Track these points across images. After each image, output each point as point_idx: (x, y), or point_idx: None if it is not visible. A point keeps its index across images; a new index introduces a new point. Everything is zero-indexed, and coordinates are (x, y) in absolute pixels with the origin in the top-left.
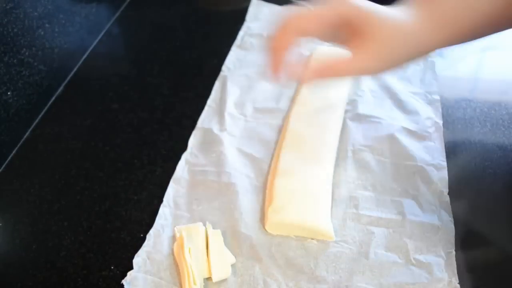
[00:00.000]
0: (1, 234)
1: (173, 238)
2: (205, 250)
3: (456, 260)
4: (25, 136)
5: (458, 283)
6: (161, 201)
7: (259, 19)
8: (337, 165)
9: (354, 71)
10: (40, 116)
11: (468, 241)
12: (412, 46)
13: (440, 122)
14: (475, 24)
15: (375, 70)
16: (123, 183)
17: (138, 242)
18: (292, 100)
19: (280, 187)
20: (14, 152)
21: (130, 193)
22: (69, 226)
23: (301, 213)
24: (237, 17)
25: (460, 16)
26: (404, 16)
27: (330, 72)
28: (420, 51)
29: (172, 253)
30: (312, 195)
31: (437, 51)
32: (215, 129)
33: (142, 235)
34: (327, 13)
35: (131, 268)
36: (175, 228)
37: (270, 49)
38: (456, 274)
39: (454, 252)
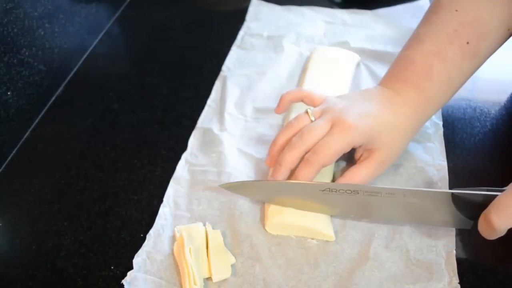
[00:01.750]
0: (1, 234)
1: (173, 238)
2: (205, 250)
3: (457, 260)
4: (25, 136)
5: (459, 283)
6: (161, 201)
7: (259, 19)
8: (337, 165)
9: (369, 178)
10: (40, 116)
11: (468, 241)
12: (410, 138)
13: (440, 122)
14: (459, 86)
15: (383, 170)
16: (123, 183)
17: (138, 242)
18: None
19: None
20: (14, 152)
21: (130, 193)
22: (69, 226)
23: (301, 213)
24: (237, 17)
25: (444, 95)
26: (398, 117)
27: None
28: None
29: (172, 253)
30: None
31: None
32: (215, 129)
33: (142, 235)
34: (341, 147)
35: (131, 268)
36: (175, 228)
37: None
38: (457, 274)
39: (454, 252)
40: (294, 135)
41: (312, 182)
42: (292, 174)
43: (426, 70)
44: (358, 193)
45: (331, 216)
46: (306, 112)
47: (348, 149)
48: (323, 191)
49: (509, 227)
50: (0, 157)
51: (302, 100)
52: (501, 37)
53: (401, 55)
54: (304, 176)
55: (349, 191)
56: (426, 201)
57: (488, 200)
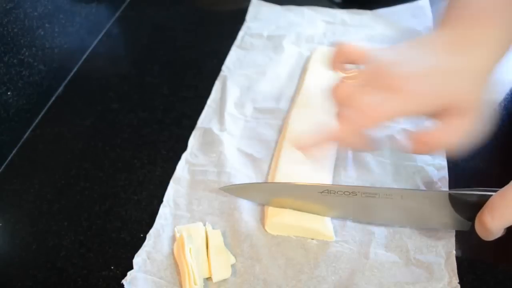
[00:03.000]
0: (1, 234)
1: (173, 238)
2: (205, 250)
3: (456, 260)
4: (25, 136)
5: (459, 283)
6: (161, 201)
7: (259, 19)
8: (337, 165)
9: (448, 146)
10: (40, 116)
11: (468, 241)
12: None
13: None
14: None
15: (466, 142)
16: (123, 183)
17: (138, 242)
18: (292, 100)
19: None
20: (14, 152)
21: (130, 193)
22: (69, 226)
23: (300, 213)
24: (237, 17)
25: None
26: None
27: (425, 148)
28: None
29: (172, 253)
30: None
31: None
32: (215, 129)
33: (142, 235)
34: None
35: (131, 268)
36: (175, 228)
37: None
38: (457, 274)
39: (454, 252)
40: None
41: (311, 184)
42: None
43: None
44: (356, 194)
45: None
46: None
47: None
48: (321, 192)
49: (503, 227)
50: (0, 157)
51: (353, 61)
52: None
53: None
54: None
55: (347, 193)
56: (424, 202)
57: (485, 200)
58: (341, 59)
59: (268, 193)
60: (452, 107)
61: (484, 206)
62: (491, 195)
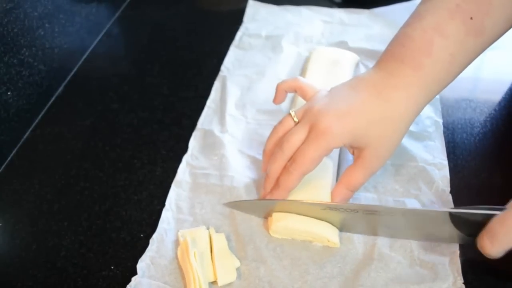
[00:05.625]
0: (1, 234)
1: (177, 242)
2: (210, 254)
3: (461, 259)
4: (25, 136)
5: (463, 283)
6: (161, 201)
7: (256, 20)
8: (338, 167)
9: (366, 178)
10: (40, 116)
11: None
12: (407, 124)
13: (440, 120)
14: (463, 66)
15: (382, 166)
16: (123, 183)
17: (138, 242)
18: (292, 100)
19: None
20: (14, 152)
21: (130, 193)
22: (69, 226)
23: (305, 218)
24: (238, 17)
25: (446, 73)
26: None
27: (351, 193)
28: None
29: (176, 258)
30: (316, 198)
31: None
32: (216, 130)
33: (142, 235)
34: (317, 154)
35: (131, 268)
36: (179, 233)
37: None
38: (461, 274)
39: (458, 252)
40: (280, 139)
41: (312, 202)
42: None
43: (425, 45)
44: (357, 212)
45: None
46: (289, 113)
47: (328, 153)
48: (323, 209)
49: (503, 252)
50: (0, 157)
51: (295, 91)
52: (509, 15)
53: (398, 33)
54: (285, 184)
55: (349, 210)
56: (425, 219)
57: (486, 219)
58: (287, 88)
59: (271, 209)
60: (369, 149)
61: (484, 231)
62: (492, 214)
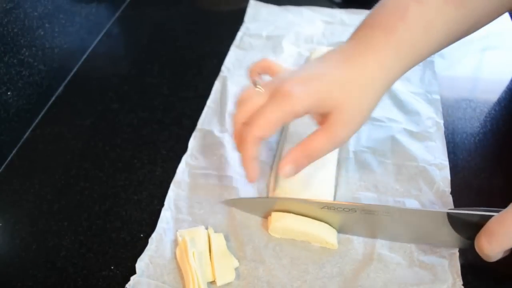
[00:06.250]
0: (1, 234)
1: (175, 242)
2: (208, 254)
3: (460, 261)
4: (25, 136)
5: (462, 285)
6: (161, 201)
7: (257, 20)
8: (338, 166)
9: (327, 146)
10: (40, 116)
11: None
12: (379, 92)
13: (441, 121)
14: (442, 37)
15: (349, 137)
16: (123, 183)
17: (138, 242)
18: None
19: (282, 190)
20: (14, 152)
21: (130, 193)
22: (69, 226)
23: (305, 219)
24: (238, 17)
25: (422, 41)
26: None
27: (306, 159)
28: (387, 85)
29: (175, 257)
30: (315, 198)
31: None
32: (216, 130)
33: (142, 235)
34: (275, 117)
35: (131, 268)
36: (177, 232)
37: (242, 157)
38: (460, 275)
39: (457, 253)
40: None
41: (311, 200)
42: None
43: (399, 10)
44: (355, 211)
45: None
46: (256, 85)
47: (289, 119)
48: (321, 208)
49: (500, 252)
50: (0, 157)
51: (266, 72)
52: None
53: (377, 4)
54: (243, 152)
55: (347, 209)
56: (422, 220)
57: (483, 220)
58: (259, 70)
59: (270, 208)
60: (334, 113)
61: (482, 230)
62: (490, 215)
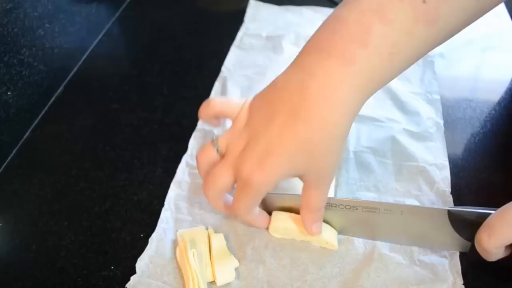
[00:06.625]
0: (1, 234)
1: (175, 242)
2: (208, 254)
3: (460, 260)
4: (25, 136)
5: (463, 284)
6: (161, 201)
7: (257, 20)
8: (339, 166)
9: (322, 197)
10: (40, 116)
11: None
12: (342, 137)
13: (441, 121)
14: (411, 60)
15: (332, 177)
16: (123, 183)
17: (138, 242)
18: None
19: (282, 190)
20: (14, 152)
21: (130, 193)
22: (69, 226)
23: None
24: (238, 17)
25: (386, 68)
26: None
27: (317, 213)
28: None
29: (175, 257)
30: None
31: (438, 51)
32: (216, 130)
33: (142, 235)
34: (254, 201)
35: (131, 268)
36: (177, 232)
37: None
38: (461, 275)
39: (458, 253)
40: (206, 172)
41: None
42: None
43: (360, 32)
44: (357, 208)
45: None
46: (212, 141)
47: (262, 197)
48: None
49: (500, 247)
50: (0, 157)
51: (221, 117)
52: (467, 4)
53: (331, 14)
54: (245, 221)
55: (348, 206)
56: (423, 218)
57: (484, 219)
58: (213, 113)
59: (269, 205)
60: (305, 176)
61: (482, 226)
62: (490, 213)
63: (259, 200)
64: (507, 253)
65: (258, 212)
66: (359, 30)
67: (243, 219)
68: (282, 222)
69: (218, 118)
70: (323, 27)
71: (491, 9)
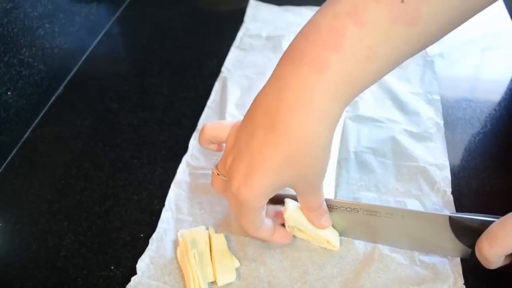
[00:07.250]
0: (1, 234)
1: (176, 242)
2: (209, 254)
3: (461, 260)
4: (25, 136)
5: (464, 284)
6: (161, 201)
7: (257, 20)
8: (339, 166)
9: (319, 200)
10: (40, 116)
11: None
12: (327, 149)
13: (441, 122)
14: (391, 63)
15: (321, 182)
16: (123, 183)
17: (138, 242)
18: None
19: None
20: (14, 152)
21: (130, 193)
22: (69, 226)
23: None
24: (238, 17)
25: (363, 73)
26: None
27: (320, 211)
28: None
29: (176, 258)
30: None
31: (438, 51)
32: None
33: (142, 235)
34: (251, 218)
35: (131, 268)
36: (178, 233)
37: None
38: (462, 275)
39: None
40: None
41: None
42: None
43: (333, 36)
44: (358, 211)
45: None
46: (214, 172)
47: (262, 210)
48: None
49: (500, 256)
50: (0, 157)
51: (215, 141)
52: (453, 5)
53: (307, 22)
54: (262, 239)
55: (349, 209)
56: (424, 223)
57: (485, 226)
58: (209, 138)
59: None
60: (294, 186)
61: (483, 233)
62: (492, 221)
63: (259, 215)
64: (508, 261)
65: (274, 228)
66: (331, 34)
67: (259, 237)
68: (294, 213)
69: (214, 143)
70: (298, 35)
71: (481, 9)
